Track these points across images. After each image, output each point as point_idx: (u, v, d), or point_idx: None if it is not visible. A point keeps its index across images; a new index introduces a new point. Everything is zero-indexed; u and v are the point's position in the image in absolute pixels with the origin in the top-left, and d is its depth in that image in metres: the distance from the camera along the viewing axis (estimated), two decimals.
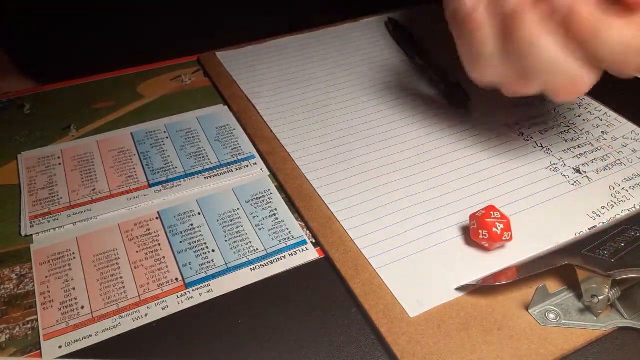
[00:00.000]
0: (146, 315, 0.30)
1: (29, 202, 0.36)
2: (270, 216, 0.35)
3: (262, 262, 0.32)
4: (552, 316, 0.29)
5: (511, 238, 0.32)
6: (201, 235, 0.34)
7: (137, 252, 0.33)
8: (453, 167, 0.38)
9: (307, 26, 0.55)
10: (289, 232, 0.34)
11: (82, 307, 0.30)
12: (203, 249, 0.33)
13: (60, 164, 0.39)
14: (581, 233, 0.33)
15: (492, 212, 0.31)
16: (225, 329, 0.29)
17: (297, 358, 0.28)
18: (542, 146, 0.40)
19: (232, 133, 0.42)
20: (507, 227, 0.31)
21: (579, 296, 0.29)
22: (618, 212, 0.35)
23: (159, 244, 0.33)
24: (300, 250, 0.33)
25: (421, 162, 0.39)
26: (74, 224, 0.35)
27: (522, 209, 0.35)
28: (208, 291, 0.31)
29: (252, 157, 0.40)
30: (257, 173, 0.39)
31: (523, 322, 0.29)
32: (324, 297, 0.31)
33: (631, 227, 0.32)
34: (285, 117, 0.43)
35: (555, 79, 0.31)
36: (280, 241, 0.34)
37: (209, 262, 0.32)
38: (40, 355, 0.28)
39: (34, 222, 0.35)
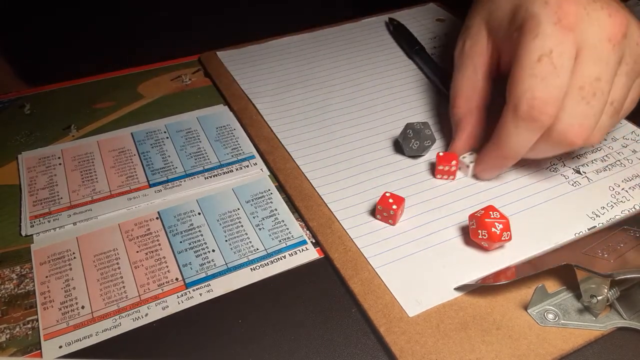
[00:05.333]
0: (146, 315, 0.30)
1: (29, 202, 0.36)
2: (270, 216, 0.35)
3: (262, 262, 0.33)
4: (551, 316, 0.29)
5: (510, 238, 0.32)
6: (201, 235, 0.34)
7: (137, 252, 0.33)
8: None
9: (307, 26, 0.55)
10: (289, 232, 0.34)
11: (83, 307, 0.30)
12: (203, 249, 0.33)
13: (60, 164, 0.39)
14: (581, 233, 0.33)
15: (491, 212, 0.31)
16: (225, 329, 0.29)
17: (297, 357, 0.28)
18: None
19: (232, 133, 0.42)
20: (506, 227, 0.31)
21: (578, 296, 0.30)
22: (618, 213, 0.35)
23: (159, 244, 0.33)
24: (300, 250, 0.33)
25: (420, 162, 0.39)
26: (74, 224, 0.35)
27: (522, 209, 0.35)
28: (208, 291, 0.31)
29: (252, 157, 0.40)
30: (257, 173, 0.39)
31: (522, 322, 0.29)
32: (323, 297, 0.31)
33: (631, 228, 0.32)
34: (285, 117, 0.43)
35: None
36: (280, 241, 0.34)
37: (209, 262, 0.32)
38: (41, 355, 0.28)
39: (34, 222, 0.35)
